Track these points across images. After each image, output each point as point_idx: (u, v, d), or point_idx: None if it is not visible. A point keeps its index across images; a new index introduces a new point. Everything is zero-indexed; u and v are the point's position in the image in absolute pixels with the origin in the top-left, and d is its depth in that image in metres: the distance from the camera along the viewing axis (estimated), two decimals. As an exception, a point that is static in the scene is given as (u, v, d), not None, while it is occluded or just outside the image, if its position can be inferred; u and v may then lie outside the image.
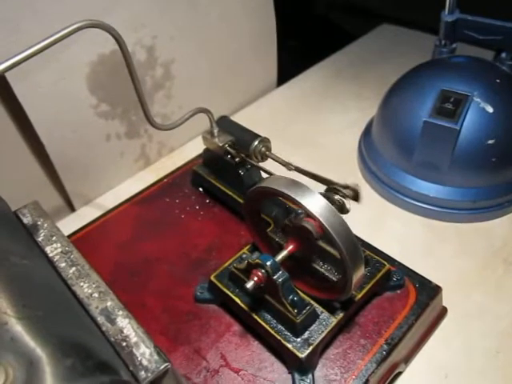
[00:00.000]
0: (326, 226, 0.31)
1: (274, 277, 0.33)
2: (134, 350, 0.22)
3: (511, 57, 0.49)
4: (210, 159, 0.48)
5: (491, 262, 0.47)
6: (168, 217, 0.49)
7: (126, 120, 0.55)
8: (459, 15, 0.50)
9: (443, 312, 0.42)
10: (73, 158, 0.52)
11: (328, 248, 0.37)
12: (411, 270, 0.42)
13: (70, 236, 0.48)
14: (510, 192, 0.49)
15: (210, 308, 0.40)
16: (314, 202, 0.31)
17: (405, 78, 0.52)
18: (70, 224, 0.52)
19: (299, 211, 0.34)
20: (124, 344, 0.22)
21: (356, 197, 0.34)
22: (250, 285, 0.33)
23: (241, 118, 0.69)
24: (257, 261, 0.33)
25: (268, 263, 0.33)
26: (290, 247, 0.35)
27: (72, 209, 0.57)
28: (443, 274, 0.45)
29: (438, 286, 0.40)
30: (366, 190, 0.55)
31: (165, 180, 0.53)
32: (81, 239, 0.47)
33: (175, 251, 0.45)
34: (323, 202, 0.31)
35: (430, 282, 0.41)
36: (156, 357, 0.22)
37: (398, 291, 0.40)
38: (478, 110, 0.46)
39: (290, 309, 0.34)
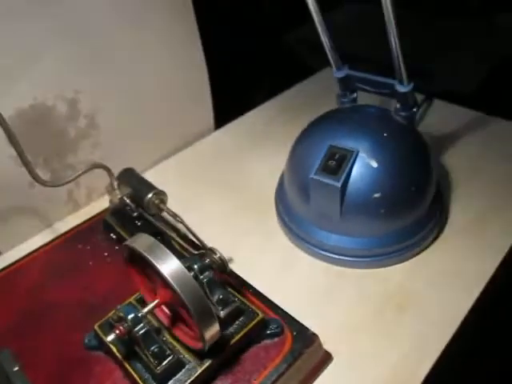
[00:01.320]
0: (176, 288, 0.33)
1: (135, 329, 0.35)
2: None
3: (403, 108, 0.52)
4: (115, 209, 0.50)
5: (384, 307, 0.49)
6: (77, 263, 0.51)
7: (49, 168, 0.58)
8: (348, 71, 0.53)
9: (326, 358, 0.44)
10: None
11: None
12: (292, 317, 0.43)
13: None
14: (402, 240, 0.51)
15: (98, 355, 0.42)
16: (167, 264, 0.33)
17: (303, 132, 0.55)
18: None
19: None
20: None
21: (223, 267, 0.37)
22: (110, 338, 0.35)
23: (174, 163, 0.73)
24: (119, 314, 0.35)
25: (129, 317, 0.35)
26: (157, 301, 0.37)
27: (-1, 252, 0.59)
28: (337, 320, 0.47)
29: (315, 334, 0.42)
30: (279, 236, 0.58)
31: (82, 226, 0.56)
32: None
33: (76, 297, 0.47)
34: (176, 265, 0.34)
35: (307, 329, 0.42)
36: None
37: (276, 339, 0.42)
38: (364, 165, 0.48)
39: (152, 360, 0.36)
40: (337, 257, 0.52)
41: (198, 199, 0.64)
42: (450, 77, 0.85)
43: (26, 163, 0.40)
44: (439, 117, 0.76)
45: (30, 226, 0.60)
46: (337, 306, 0.49)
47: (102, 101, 0.60)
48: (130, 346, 0.38)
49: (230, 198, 0.64)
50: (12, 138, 0.38)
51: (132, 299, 0.43)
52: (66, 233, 0.55)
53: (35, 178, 0.42)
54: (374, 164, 0.48)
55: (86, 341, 0.42)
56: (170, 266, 0.33)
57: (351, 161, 0.48)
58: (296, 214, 0.55)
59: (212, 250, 0.39)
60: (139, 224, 0.47)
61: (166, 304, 0.38)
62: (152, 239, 0.35)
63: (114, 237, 0.54)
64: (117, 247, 0.52)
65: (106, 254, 0.52)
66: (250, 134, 0.77)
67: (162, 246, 0.35)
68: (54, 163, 0.58)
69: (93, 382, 0.40)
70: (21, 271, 0.51)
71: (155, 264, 0.33)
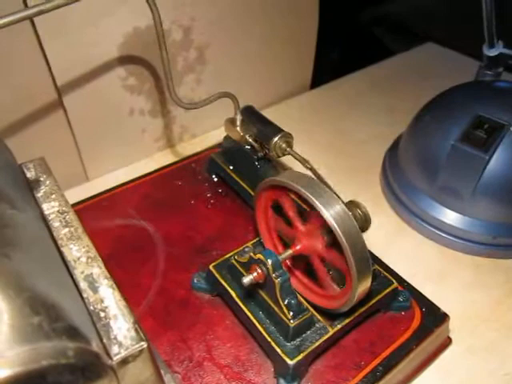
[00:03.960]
0: (340, 233, 0.29)
1: (274, 275, 0.31)
2: (111, 322, 0.21)
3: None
4: (229, 147, 0.46)
5: (507, 299, 0.44)
6: (177, 200, 0.48)
7: (152, 98, 0.54)
8: (502, 50, 0.47)
9: (447, 342, 0.40)
10: (92, 126, 0.52)
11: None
12: (420, 293, 0.39)
13: (78, 203, 0.48)
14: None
15: (206, 298, 0.39)
16: (330, 205, 0.29)
17: (441, 96, 0.50)
18: (80, 192, 0.52)
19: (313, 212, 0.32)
20: (102, 315, 0.21)
21: (365, 224, 0.33)
22: (246, 280, 0.31)
23: (268, 115, 0.68)
24: (259, 256, 0.32)
25: (270, 260, 0.31)
26: (297, 247, 0.33)
27: (87, 178, 0.56)
28: (452, 304, 0.43)
29: (446, 314, 0.38)
30: (384, 207, 0.53)
31: (180, 163, 0.52)
32: (88, 208, 0.47)
33: (179, 235, 0.44)
34: (340, 206, 0.30)
35: (438, 308, 0.38)
36: (133, 333, 0.20)
37: (403, 313, 0.38)
38: (513, 142, 0.43)
39: (286, 311, 0.32)
40: (453, 239, 0.47)
41: (289, 157, 0.60)
42: None
43: (167, 76, 0.36)
44: None
45: (121, 156, 0.56)
46: (451, 292, 0.45)
47: (215, 35, 0.56)
48: (252, 293, 0.35)
49: (328, 158, 0.60)
50: (161, 42, 0.34)
51: (250, 244, 0.39)
52: (165, 167, 0.52)
53: (172, 94, 0.38)
54: (527, 142, 0.43)
55: (195, 280, 0.39)
56: (335, 209, 0.29)
57: (501, 134, 0.43)
58: (410, 184, 0.50)
59: (354, 203, 0.35)
60: (259, 166, 0.43)
61: (300, 254, 0.34)
62: (307, 176, 0.31)
63: (216, 179, 0.50)
64: (220, 190, 0.49)
65: (208, 194, 0.48)
66: (344, 99, 0.71)
67: (320, 183, 0.30)
68: (158, 94, 0.54)
69: (201, 325, 0.37)
70: (118, 198, 0.48)
71: (318, 205, 0.29)
